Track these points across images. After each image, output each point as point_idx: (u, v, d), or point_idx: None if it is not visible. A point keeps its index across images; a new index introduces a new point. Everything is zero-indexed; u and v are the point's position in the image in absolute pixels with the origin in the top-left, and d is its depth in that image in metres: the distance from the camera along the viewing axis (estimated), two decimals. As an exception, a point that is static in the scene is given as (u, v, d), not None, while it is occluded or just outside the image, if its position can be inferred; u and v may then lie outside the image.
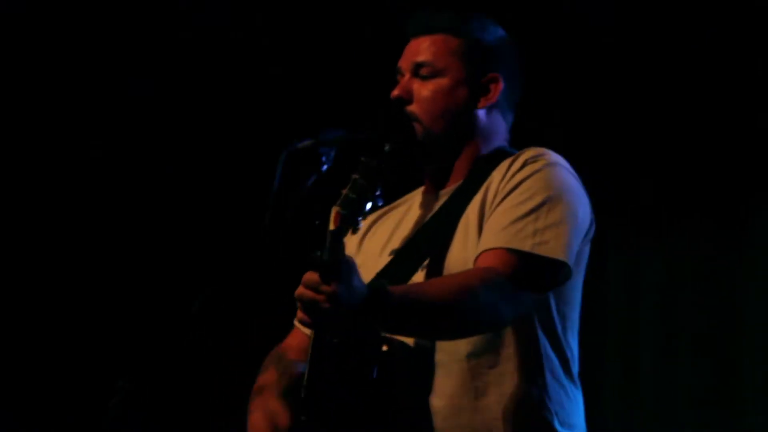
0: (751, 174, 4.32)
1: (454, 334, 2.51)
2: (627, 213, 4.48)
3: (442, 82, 2.70)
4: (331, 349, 2.47)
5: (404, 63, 2.75)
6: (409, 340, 2.55)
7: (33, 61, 4.84)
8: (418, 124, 2.67)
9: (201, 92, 4.89)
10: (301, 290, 2.26)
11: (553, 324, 2.60)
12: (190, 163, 4.91)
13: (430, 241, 2.63)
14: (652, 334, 4.44)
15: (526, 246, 2.48)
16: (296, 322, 2.84)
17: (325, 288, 2.23)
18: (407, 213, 2.79)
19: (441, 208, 2.68)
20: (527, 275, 2.48)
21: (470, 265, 2.52)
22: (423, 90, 2.69)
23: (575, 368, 2.65)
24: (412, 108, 2.68)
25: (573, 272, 2.55)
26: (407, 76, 2.72)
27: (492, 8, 3.99)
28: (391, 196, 2.89)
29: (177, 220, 4.91)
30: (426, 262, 2.60)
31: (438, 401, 2.55)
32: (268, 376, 2.75)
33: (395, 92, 2.70)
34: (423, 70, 2.70)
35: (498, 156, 2.69)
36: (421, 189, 2.82)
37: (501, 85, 2.72)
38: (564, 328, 2.63)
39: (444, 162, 2.72)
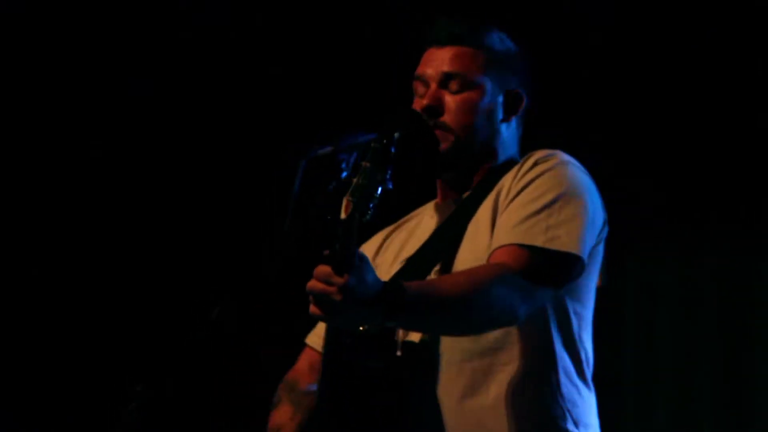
0: (756, 175, 4.32)
1: (468, 329, 2.49)
2: (643, 215, 4.47)
3: (473, 96, 2.70)
4: (344, 348, 2.45)
5: (431, 72, 2.73)
6: (420, 339, 2.54)
7: (33, 61, 4.84)
8: (449, 135, 2.67)
9: (201, 92, 4.88)
10: (312, 282, 2.22)
11: (567, 323, 2.60)
12: (190, 163, 4.90)
13: (440, 245, 2.64)
14: (670, 337, 4.44)
15: (539, 241, 2.48)
16: (307, 341, 2.85)
17: (336, 279, 2.18)
18: (419, 224, 2.80)
19: (451, 215, 2.69)
20: (540, 270, 2.47)
21: (474, 264, 2.52)
22: (453, 102, 2.69)
23: (589, 368, 2.65)
24: (444, 119, 2.68)
25: (587, 268, 2.55)
26: (434, 86, 2.71)
27: (492, 8, 4.00)
28: (402, 209, 2.90)
29: (177, 221, 4.90)
30: (437, 267, 2.60)
31: (449, 400, 2.54)
32: (283, 414, 2.74)
33: (426, 101, 2.69)
34: (453, 83, 2.70)
35: (509, 164, 2.71)
36: (432, 202, 2.82)
37: (524, 100, 2.76)
38: (579, 328, 2.62)
39: (460, 173, 2.73)
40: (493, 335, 2.54)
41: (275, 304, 3.98)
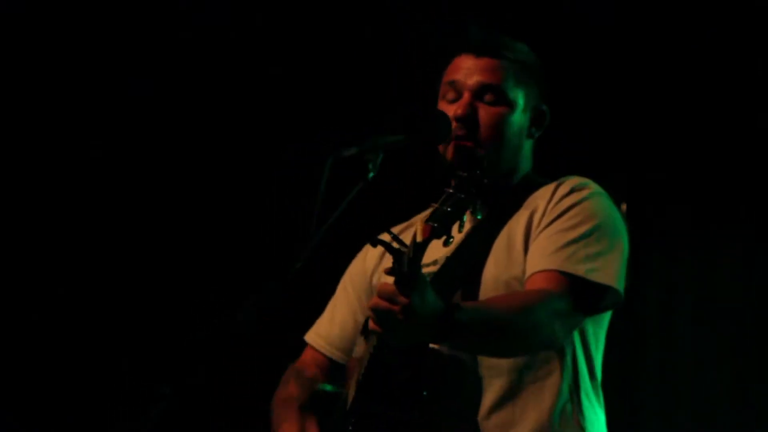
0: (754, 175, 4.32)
1: (515, 351, 2.56)
2: (662, 222, 4.47)
3: (507, 111, 2.71)
4: (383, 363, 2.49)
5: (465, 80, 2.72)
6: (454, 355, 2.58)
7: (33, 61, 4.83)
8: (479, 150, 2.68)
9: (201, 92, 4.88)
10: (376, 300, 2.27)
11: (587, 343, 2.67)
12: (190, 163, 4.90)
13: (465, 259, 2.65)
14: (690, 341, 4.44)
15: (580, 271, 2.53)
16: (307, 339, 2.90)
17: (401, 299, 2.24)
18: None
19: (475, 229, 2.69)
20: (582, 299, 2.54)
21: (514, 281, 2.58)
22: (486, 115, 2.70)
23: (599, 384, 2.71)
24: (476, 131, 2.69)
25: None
26: (467, 95, 2.71)
27: (492, 8, 4.00)
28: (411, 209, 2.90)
29: (176, 221, 4.90)
30: (463, 283, 2.63)
31: (478, 415, 2.58)
32: (291, 390, 2.81)
33: (460, 111, 2.69)
34: (489, 95, 2.70)
35: (534, 181, 2.74)
36: None
37: (547, 116, 2.80)
38: (596, 348, 2.69)
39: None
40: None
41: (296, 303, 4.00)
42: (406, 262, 2.22)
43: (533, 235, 2.61)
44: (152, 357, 4.67)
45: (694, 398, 4.38)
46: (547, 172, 2.85)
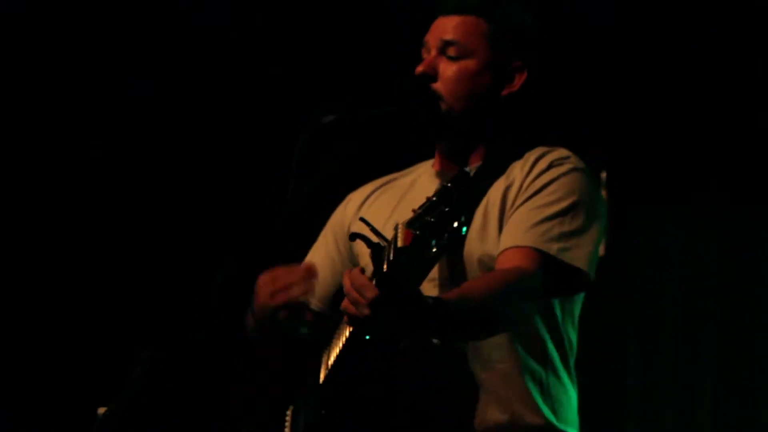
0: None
1: (491, 334, 2.55)
2: (650, 194, 4.48)
3: (469, 64, 2.69)
4: (360, 346, 2.46)
5: (432, 39, 2.73)
6: (420, 343, 2.56)
7: (33, 61, 4.83)
8: (441, 102, 2.67)
9: (201, 92, 4.88)
10: (347, 287, 2.28)
11: (555, 321, 2.64)
12: (189, 163, 4.90)
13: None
14: (678, 322, 4.46)
15: (553, 249, 2.52)
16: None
17: (368, 294, 2.24)
18: (413, 186, 2.80)
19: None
20: (552, 279, 2.53)
21: (487, 258, 2.56)
22: (449, 69, 2.69)
23: (572, 361, 2.68)
24: (437, 86, 2.68)
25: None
26: (434, 53, 2.71)
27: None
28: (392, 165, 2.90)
29: (176, 221, 4.90)
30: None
31: (445, 397, 2.57)
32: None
33: (420, 68, 2.70)
34: (451, 50, 2.70)
35: (512, 147, 2.71)
36: (428, 163, 2.82)
37: (525, 75, 2.73)
38: (564, 323, 2.66)
39: (459, 142, 2.73)
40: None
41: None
42: (386, 261, 2.21)
43: (508, 212, 2.59)
44: (136, 324, 4.66)
45: (677, 396, 4.40)
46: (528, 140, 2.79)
